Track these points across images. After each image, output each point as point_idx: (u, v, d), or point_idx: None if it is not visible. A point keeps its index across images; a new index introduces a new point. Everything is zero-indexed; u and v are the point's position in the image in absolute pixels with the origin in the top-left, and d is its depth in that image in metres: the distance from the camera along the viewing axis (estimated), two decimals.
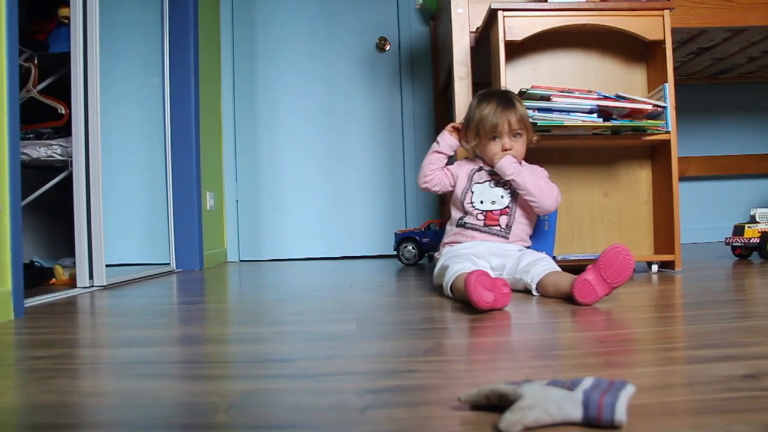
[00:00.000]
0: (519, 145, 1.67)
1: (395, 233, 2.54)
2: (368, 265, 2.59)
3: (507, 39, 1.82)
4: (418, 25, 3.03)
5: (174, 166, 2.51)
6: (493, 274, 1.58)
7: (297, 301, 1.60)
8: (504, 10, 1.82)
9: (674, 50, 2.55)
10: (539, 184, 1.62)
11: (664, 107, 1.84)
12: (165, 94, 2.49)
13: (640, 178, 1.96)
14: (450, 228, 1.72)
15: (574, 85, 1.89)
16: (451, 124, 1.75)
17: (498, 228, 1.64)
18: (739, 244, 2.11)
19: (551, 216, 1.79)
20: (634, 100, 1.78)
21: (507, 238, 1.64)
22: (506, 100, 1.65)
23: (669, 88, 1.84)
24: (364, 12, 3.00)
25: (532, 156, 1.90)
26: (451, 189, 1.73)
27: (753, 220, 2.14)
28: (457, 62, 2.04)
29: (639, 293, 1.48)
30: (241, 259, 2.99)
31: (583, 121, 1.74)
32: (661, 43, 1.86)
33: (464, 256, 1.55)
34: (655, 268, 1.84)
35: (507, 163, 1.62)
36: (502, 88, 1.75)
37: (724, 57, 2.70)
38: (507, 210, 1.65)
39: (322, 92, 3.00)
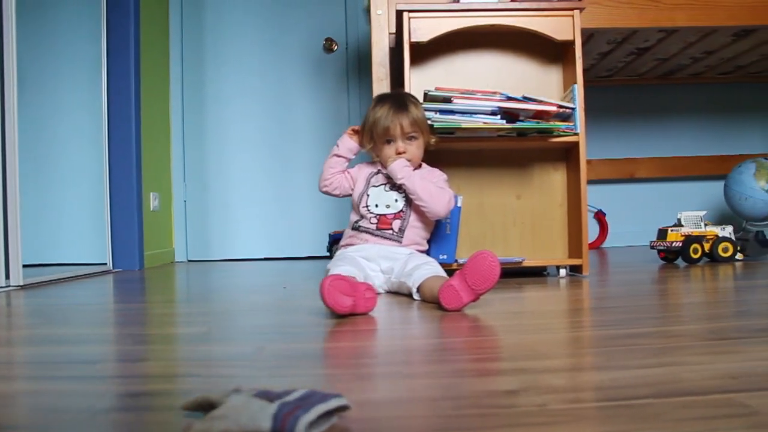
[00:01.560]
0: (414, 149, 1.65)
1: (329, 234, 2.53)
2: (311, 266, 2.60)
3: (412, 40, 1.81)
4: (366, 25, 3.02)
5: (112, 167, 2.54)
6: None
7: (192, 302, 1.61)
8: (410, 11, 1.80)
9: (612, 50, 2.52)
10: (429, 189, 1.61)
11: (573, 109, 1.81)
12: (103, 96, 2.51)
13: (554, 181, 1.94)
14: (347, 231, 1.71)
15: (487, 87, 1.87)
16: (351, 127, 1.75)
17: (390, 232, 1.64)
18: (662, 247, 2.08)
19: (453, 219, 1.78)
20: (539, 102, 1.75)
21: (400, 241, 1.63)
22: (400, 103, 1.64)
23: (578, 89, 1.81)
24: (311, 14, 3.00)
25: (442, 158, 1.90)
26: (351, 192, 1.73)
27: (679, 223, 2.11)
28: (376, 63, 2.03)
29: (522, 299, 1.47)
30: (189, 259, 3.01)
31: (484, 122, 1.72)
32: (572, 44, 1.84)
33: (350, 259, 1.55)
34: (563, 272, 1.81)
35: (398, 166, 1.61)
36: (400, 91, 1.74)
37: (668, 57, 2.66)
38: (401, 214, 1.65)
39: (270, 94, 3.00)
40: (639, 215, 3.03)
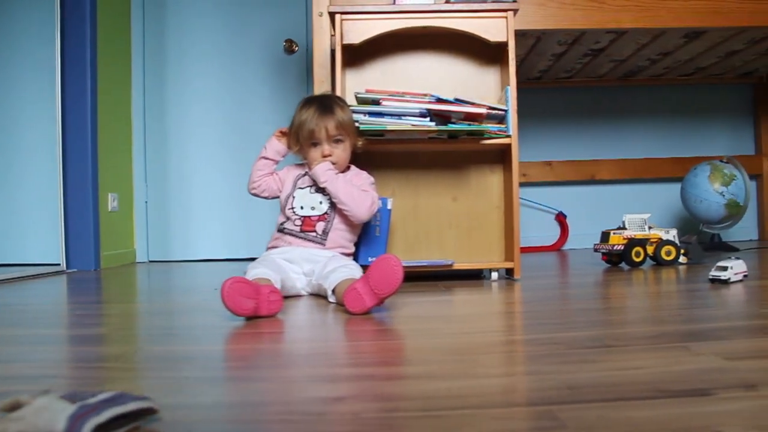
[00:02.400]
0: (340, 151, 1.65)
1: None
2: None
3: (344, 42, 1.80)
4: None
5: (67, 167, 2.54)
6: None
7: (114, 303, 1.62)
8: (342, 13, 1.80)
9: (565, 52, 2.51)
10: (352, 193, 1.61)
11: (506, 111, 1.81)
12: (57, 97, 2.52)
13: (491, 183, 1.93)
14: (274, 233, 1.71)
15: (424, 89, 1.87)
16: (279, 129, 1.75)
17: (314, 234, 1.64)
18: (604, 250, 2.07)
19: (382, 222, 1.78)
20: (469, 104, 1.75)
21: (323, 244, 1.63)
22: (325, 105, 1.64)
23: (511, 91, 1.81)
24: (272, 15, 3.00)
25: (378, 160, 1.90)
26: (279, 194, 1.73)
27: (623, 226, 2.10)
28: (318, 65, 2.03)
29: (442, 303, 1.46)
30: (151, 259, 3.01)
31: (412, 125, 1.72)
32: (506, 45, 1.83)
33: (269, 261, 1.54)
34: (494, 275, 1.80)
35: (321, 170, 1.61)
36: (327, 93, 1.74)
37: (625, 59, 2.64)
38: (325, 216, 1.64)
39: (232, 95, 3.00)
40: (600, 217, 3.01)
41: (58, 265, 2.53)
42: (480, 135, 1.77)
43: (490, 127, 1.79)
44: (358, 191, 1.62)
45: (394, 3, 1.89)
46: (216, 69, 3.00)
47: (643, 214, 2.10)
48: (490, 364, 0.84)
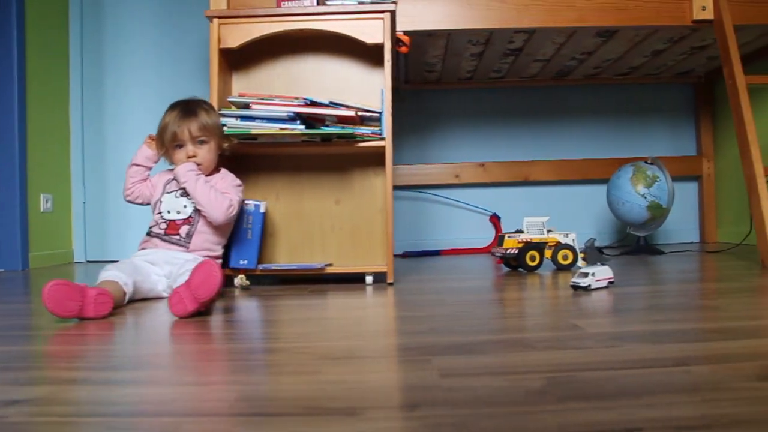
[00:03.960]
0: (204, 152, 1.67)
1: None
2: None
3: (221, 47, 1.81)
4: None
5: None
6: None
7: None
8: (219, 17, 1.81)
9: (483, 51, 2.48)
10: (209, 194, 1.61)
11: (380, 113, 1.79)
12: None
13: (374, 186, 1.92)
14: (143, 236, 1.73)
15: (308, 91, 1.87)
16: (149, 135, 1.76)
17: (178, 237, 1.65)
18: (499, 254, 2.04)
19: (255, 225, 1.78)
20: (339, 107, 1.74)
21: (187, 247, 1.64)
22: (188, 108, 1.66)
23: (386, 93, 1.79)
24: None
25: (262, 164, 1.91)
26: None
27: (521, 229, 2.06)
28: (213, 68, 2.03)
29: (290, 307, 1.45)
30: (89, 260, 3.06)
31: (281, 128, 1.72)
32: (382, 47, 1.81)
33: (128, 264, 1.55)
34: (369, 279, 1.79)
35: (183, 170, 1.63)
36: (194, 98, 1.74)
37: (549, 58, 2.60)
38: (190, 220, 1.65)
39: (168, 97, 3.02)
40: None
41: None
42: (351, 138, 1.76)
43: (363, 129, 1.78)
44: (216, 193, 1.63)
45: (279, 6, 1.89)
46: (153, 72, 3.04)
47: (541, 218, 2.06)
48: (206, 372, 0.84)
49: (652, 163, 2.50)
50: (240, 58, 1.92)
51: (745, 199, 2.72)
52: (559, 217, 2.97)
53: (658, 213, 2.46)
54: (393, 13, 1.81)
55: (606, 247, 2.74)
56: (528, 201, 2.98)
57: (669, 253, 2.53)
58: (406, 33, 2.11)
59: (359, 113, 1.76)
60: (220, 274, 1.27)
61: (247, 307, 1.43)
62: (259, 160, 1.91)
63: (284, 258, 1.92)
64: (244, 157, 1.91)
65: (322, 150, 1.86)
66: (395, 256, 2.89)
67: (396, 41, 2.10)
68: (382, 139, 1.78)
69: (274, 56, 1.94)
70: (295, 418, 0.62)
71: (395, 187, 2.96)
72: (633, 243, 2.58)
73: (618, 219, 2.57)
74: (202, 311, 1.30)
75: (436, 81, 2.91)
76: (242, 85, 1.93)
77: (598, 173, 2.90)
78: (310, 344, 0.99)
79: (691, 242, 3.00)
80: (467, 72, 2.78)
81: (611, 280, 1.55)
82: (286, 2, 1.88)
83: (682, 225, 3.01)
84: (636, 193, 2.45)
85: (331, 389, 0.72)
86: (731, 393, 0.64)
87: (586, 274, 1.52)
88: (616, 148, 2.98)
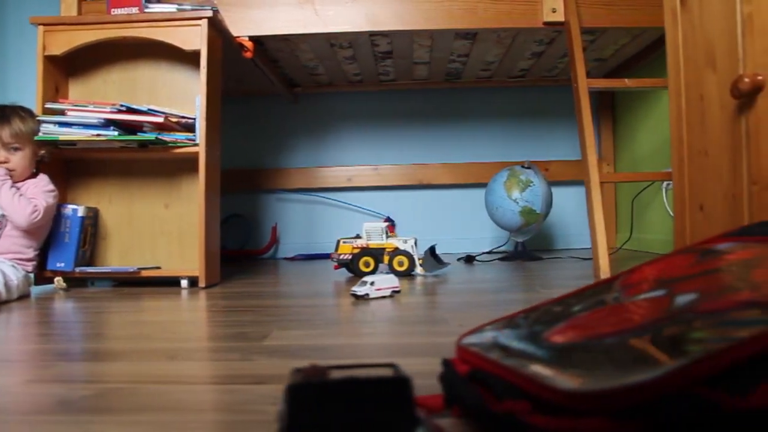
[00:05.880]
0: (18, 159, 1.72)
1: None
2: None
3: (47, 54, 1.84)
4: None
5: None
6: None
7: None
8: (44, 24, 1.84)
9: (354, 56, 2.47)
10: (12, 200, 1.66)
11: (193, 119, 1.81)
12: None
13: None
14: None
15: (139, 99, 1.90)
16: None
17: None
18: (334, 259, 2.03)
19: (72, 228, 1.82)
20: (153, 113, 1.76)
21: None
22: (2, 115, 1.73)
23: (201, 99, 1.80)
24: None
25: (93, 168, 1.94)
26: None
27: (360, 234, 2.05)
28: None
29: (71, 309, 1.48)
30: None
31: (96, 134, 1.75)
32: (200, 54, 1.82)
33: None
34: (184, 283, 1.81)
35: None
36: (11, 105, 1.78)
37: (428, 61, 2.58)
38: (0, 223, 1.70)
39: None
40: (429, 222, 2.95)
41: None
42: (164, 144, 1.78)
43: (177, 136, 1.80)
44: (21, 199, 1.67)
45: (108, 13, 1.92)
46: None
47: (380, 223, 2.05)
48: None
49: (528, 167, 2.46)
50: (76, 65, 1.96)
51: (637, 204, 2.66)
52: (454, 221, 2.95)
53: (531, 218, 2.42)
54: (211, 19, 1.82)
55: (487, 252, 2.70)
56: (423, 204, 2.96)
57: (547, 258, 2.49)
58: (251, 38, 2.13)
59: (176, 121, 1.79)
60: None
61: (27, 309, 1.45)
62: (92, 165, 1.95)
63: (116, 261, 1.95)
64: (78, 162, 1.95)
65: (152, 156, 1.88)
66: (285, 259, 2.90)
67: (240, 46, 2.12)
68: (196, 145, 1.80)
69: (110, 63, 1.97)
70: None
71: (289, 190, 2.98)
72: (427, 251, 2.53)
73: (496, 223, 2.53)
74: None
75: (329, 84, 2.91)
76: (78, 91, 1.96)
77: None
78: None
79: (588, 247, 2.94)
80: (354, 75, 2.78)
81: (396, 289, 1.54)
82: (115, 9, 1.91)
83: (583, 229, 2.95)
84: (509, 198, 2.41)
85: None
86: (235, 415, 0.62)
87: (365, 283, 1.51)
88: (514, 151, 2.93)
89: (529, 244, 2.87)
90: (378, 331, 1.09)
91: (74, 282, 1.87)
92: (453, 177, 2.91)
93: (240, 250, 2.92)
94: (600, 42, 2.35)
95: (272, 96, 2.95)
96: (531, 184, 2.41)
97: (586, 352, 0.52)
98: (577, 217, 2.94)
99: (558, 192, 2.71)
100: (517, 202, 2.40)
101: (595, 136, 2.93)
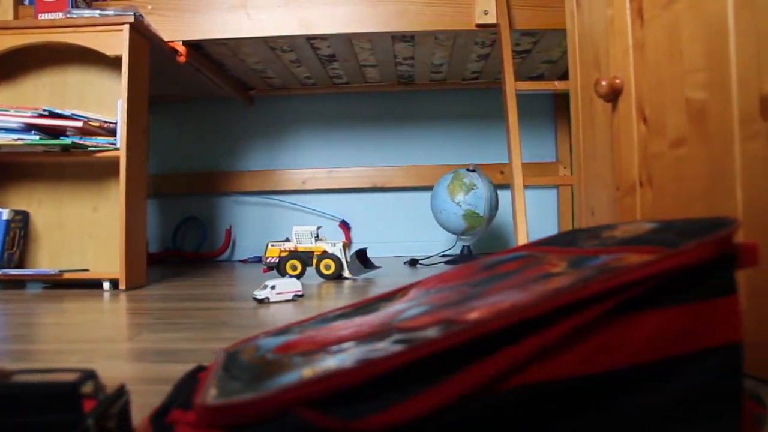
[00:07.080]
0: None
1: None
2: None
3: None
4: None
5: None
6: None
7: None
8: None
9: (299, 59, 2.47)
10: None
11: (114, 123, 1.82)
12: None
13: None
14: None
15: (67, 103, 1.93)
16: None
17: None
18: (263, 263, 2.03)
19: None
20: (69, 118, 1.78)
21: None
22: None
23: (122, 104, 1.82)
24: None
25: (28, 171, 1.96)
26: None
27: (290, 238, 2.05)
28: None
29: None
30: None
31: (17, 139, 1.77)
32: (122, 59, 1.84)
33: None
34: (107, 285, 1.82)
35: None
36: None
37: (376, 63, 2.57)
38: None
39: None
40: (384, 225, 2.94)
41: None
42: (84, 148, 1.80)
43: (99, 140, 1.82)
44: None
45: (36, 17, 1.94)
46: None
47: (311, 226, 2.05)
48: None
49: (472, 170, 2.45)
50: (7, 69, 1.98)
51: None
52: (407, 224, 2.93)
53: (475, 222, 2.40)
54: (134, 24, 1.83)
55: (435, 255, 2.69)
56: (377, 207, 2.95)
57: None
58: (186, 43, 2.14)
59: (98, 125, 1.81)
60: None
61: None
62: (22, 168, 1.97)
63: (46, 263, 1.97)
64: (7, 165, 1.97)
65: (79, 160, 1.90)
66: (241, 261, 2.91)
67: (173, 51, 2.13)
68: (117, 149, 1.81)
69: (41, 67, 1.99)
70: None
71: (245, 193, 2.99)
72: (353, 255, 2.51)
73: (441, 226, 2.52)
74: None
75: (282, 87, 2.91)
76: (9, 95, 1.99)
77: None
78: None
79: None
80: (306, 78, 2.78)
81: (299, 293, 1.53)
82: (42, 14, 1.93)
83: (544, 231, 2.92)
84: (452, 201, 2.40)
85: None
86: None
87: (266, 287, 1.51)
88: (468, 153, 2.91)
89: (479, 247, 2.86)
90: (245, 334, 1.08)
91: (8, 284, 1.89)
92: (407, 180, 2.89)
93: (196, 252, 2.94)
94: (543, 44, 2.33)
95: (229, 99, 2.97)
96: (474, 188, 2.39)
97: (270, 365, 0.51)
98: (530, 219, 2.91)
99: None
100: (460, 206, 2.39)
101: (553, 138, 2.91)
